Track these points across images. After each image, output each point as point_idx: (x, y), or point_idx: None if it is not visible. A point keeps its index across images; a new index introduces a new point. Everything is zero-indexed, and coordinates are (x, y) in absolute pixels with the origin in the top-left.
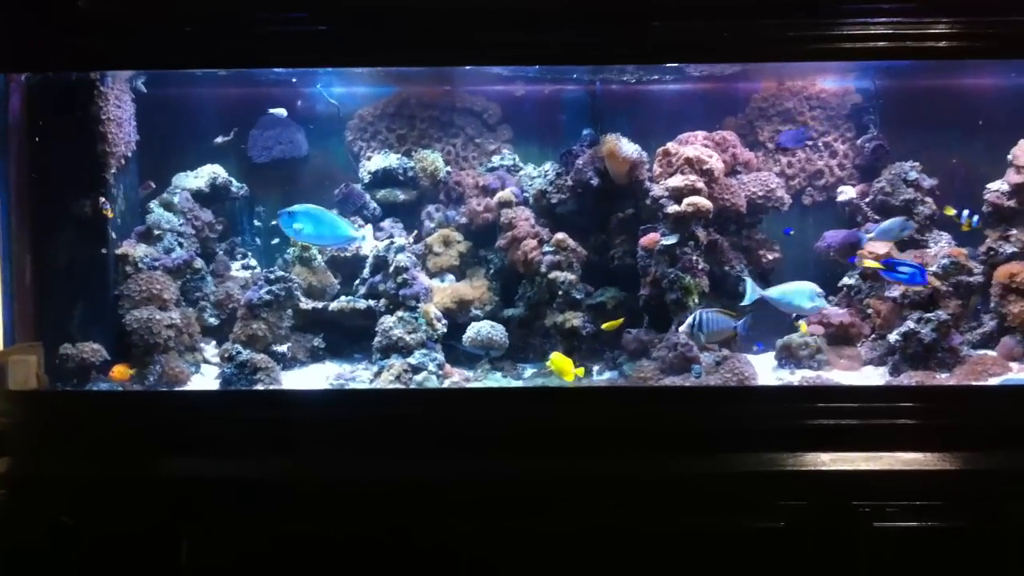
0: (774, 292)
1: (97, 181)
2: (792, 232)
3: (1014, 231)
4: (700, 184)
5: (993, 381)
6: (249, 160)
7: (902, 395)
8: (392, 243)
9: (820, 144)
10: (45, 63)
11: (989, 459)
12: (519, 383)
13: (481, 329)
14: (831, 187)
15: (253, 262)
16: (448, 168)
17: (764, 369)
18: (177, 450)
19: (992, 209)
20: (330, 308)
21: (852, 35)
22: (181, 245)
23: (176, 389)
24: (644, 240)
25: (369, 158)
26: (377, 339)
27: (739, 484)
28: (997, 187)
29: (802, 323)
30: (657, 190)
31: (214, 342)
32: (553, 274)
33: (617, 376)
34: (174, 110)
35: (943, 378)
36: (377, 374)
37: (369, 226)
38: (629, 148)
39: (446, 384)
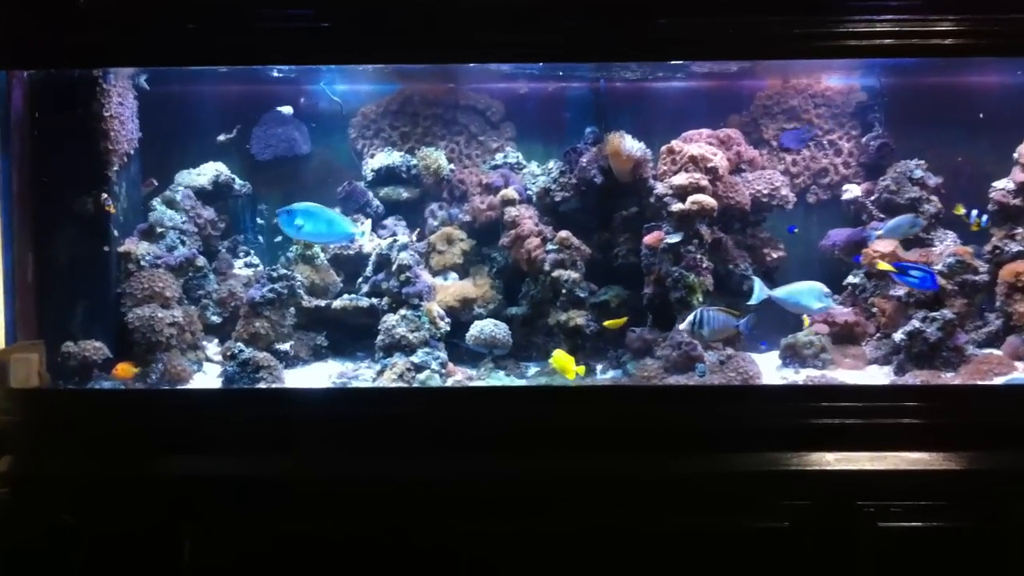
0: (782, 292)
1: (99, 179)
2: (796, 230)
3: (1020, 230)
4: (704, 182)
5: (999, 380)
6: (252, 158)
7: (907, 394)
8: (395, 241)
9: (825, 142)
10: (46, 60)
11: (994, 459)
12: (522, 382)
13: (484, 327)
14: (836, 185)
15: (256, 260)
16: (451, 166)
17: (768, 368)
18: (178, 449)
19: (998, 207)
20: (333, 306)
21: (857, 32)
22: (183, 243)
23: (178, 387)
24: (648, 238)
25: (372, 156)
26: (380, 337)
27: (743, 484)
28: (1003, 185)
29: (805, 317)
30: (661, 188)
31: (216, 340)
32: (557, 272)
33: (621, 375)
34: (177, 107)
35: (948, 377)
36: (380, 372)
37: (368, 221)
38: (633, 146)
39: (449, 383)
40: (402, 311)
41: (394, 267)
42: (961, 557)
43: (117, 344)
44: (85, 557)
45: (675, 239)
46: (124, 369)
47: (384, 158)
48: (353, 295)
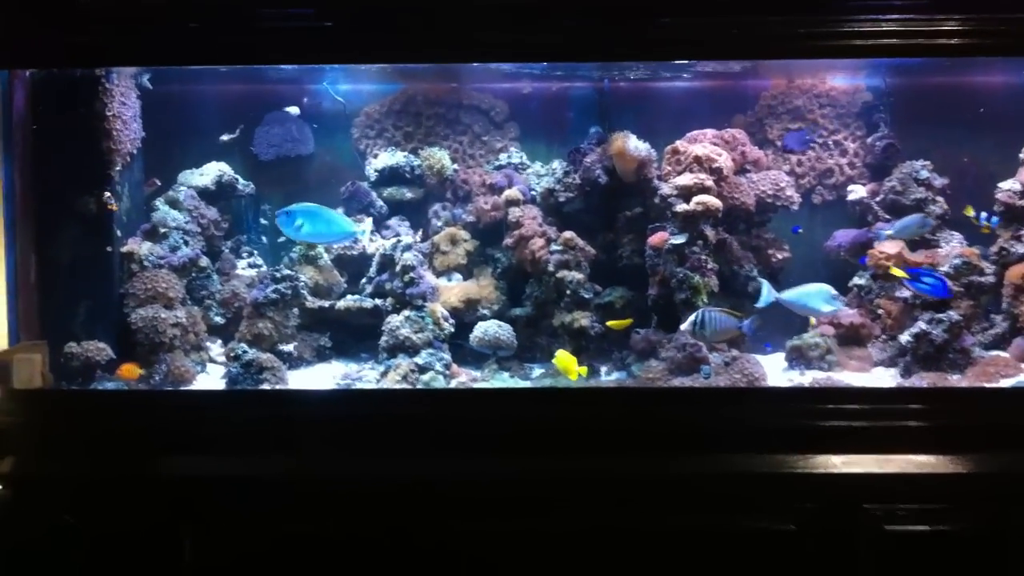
0: (789, 294)
1: (102, 178)
2: (801, 231)
3: None
4: (709, 182)
5: (1005, 383)
6: (255, 157)
7: (914, 397)
8: (399, 242)
9: (830, 142)
10: (48, 60)
11: (1002, 462)
12: (527, 383)
13: (488, 328)
14: (841, 186)
15: (259, 260)
16: (455, 166)
17: (774, 370)
18: (181, 449)
19: (1004, 208)
20: (336, 307)
21: (863, 32)
22: (186, 243)
23: (181, 388)
24: (653, 239)
25: (375, 156)
26: (384, 338)
27: (748, 486)
28: (1009, 186)
29: (812, 319)
30: (666, 188)
31: (220, 341)
32: (561, 273)
33: (625, 377)
34: (179, 107)
35: (955, 380)
36: (384, 374)
37: (370, 220)
38: (637, 146)
39: (453, 384)
40: (406, 312)
41: (398, 268)
42: (968, 561)
43: (120, 345)
44: (87, 557)
45: (680, 240)
46: (129, 370)
47: (387, 158)
48: (357, 296)
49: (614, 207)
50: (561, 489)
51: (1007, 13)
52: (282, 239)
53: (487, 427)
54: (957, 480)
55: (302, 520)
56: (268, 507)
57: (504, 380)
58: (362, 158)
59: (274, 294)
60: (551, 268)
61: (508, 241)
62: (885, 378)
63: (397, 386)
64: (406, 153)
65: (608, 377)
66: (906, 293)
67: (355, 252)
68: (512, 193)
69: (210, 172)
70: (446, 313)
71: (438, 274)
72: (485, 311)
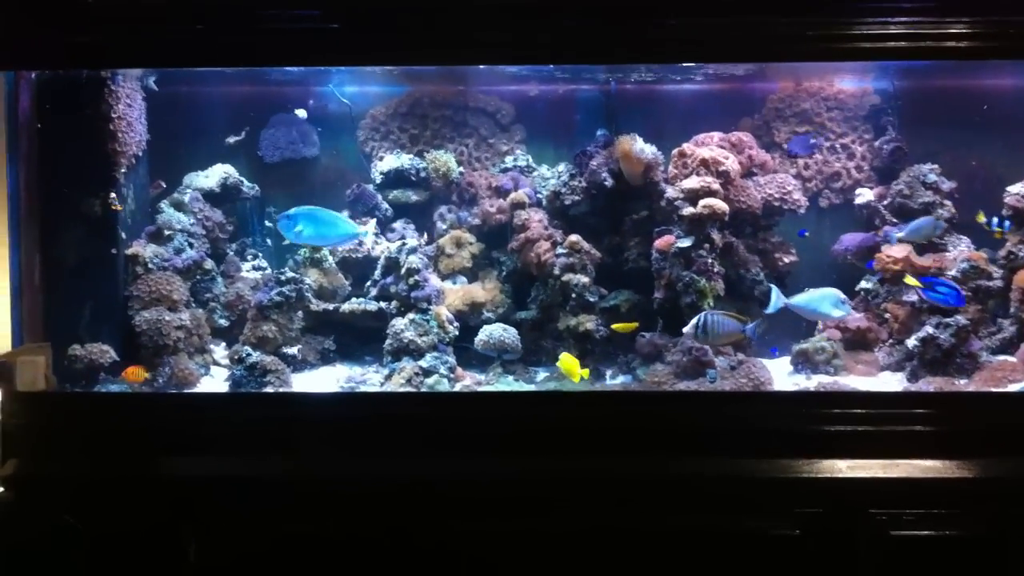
0: (798, 300)
1: (107, 180)
2: (807, 234)
3: None
4: (716, 186)
5: (1013, 387)
6: (260, 160)
7: (921, 401)
8: (404, 244)
9: (838, 146)
10: (53, 61)
11: (1008, 467)
12: (531, 387)
13: (493, 332)
14: (848, 189)
15: (264, 263)
16: (461, 169)
17: (780, 374)
18: (184, 451)
19: (1012, 212)
20: (341, 310)
21: (870, 35)
22: (191, 245)
23: (184, 391)
24: (659, 242)
25: (381, 158)
26: (388, 341)
27: (754, 490)
28: (1017, 190)
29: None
30: (672, 192)
31: (224, 344)
32: (566, 276)
33: (631, 380)
34: (185, 109)
35: (962, 384)
36: (388, 377)
37: (373, 220)
38: (644, 149)
39: (458, 387)
40: (411, 315)
41: (403, 271)
42: (974, 566)
43: (124, 347)
44: (88, 558)
45: (686, 243)
46: (134, 372)
47: (393, 161)
48: (361, 299)
49: (620, 210)
50: (565, 490)
51: (1015, 16)
52: (287, 241)
53: (489, 429)
54: (963, 485)
55: (303, 520)
56: (269, 508)
57: (509, 383)
58: (367, 160)
59: (278, 297)
60: (556, 271)
61: (513, 244)
62: (892, 382)
63: (401, 389)
64: (412, 156)
65: (613, 381)
66: (913, 297)
67: (360, 255)
68: (518, 196)
69: (215, 174)
70: (451, 316)
71: (443, 277)
72: (490, 314)
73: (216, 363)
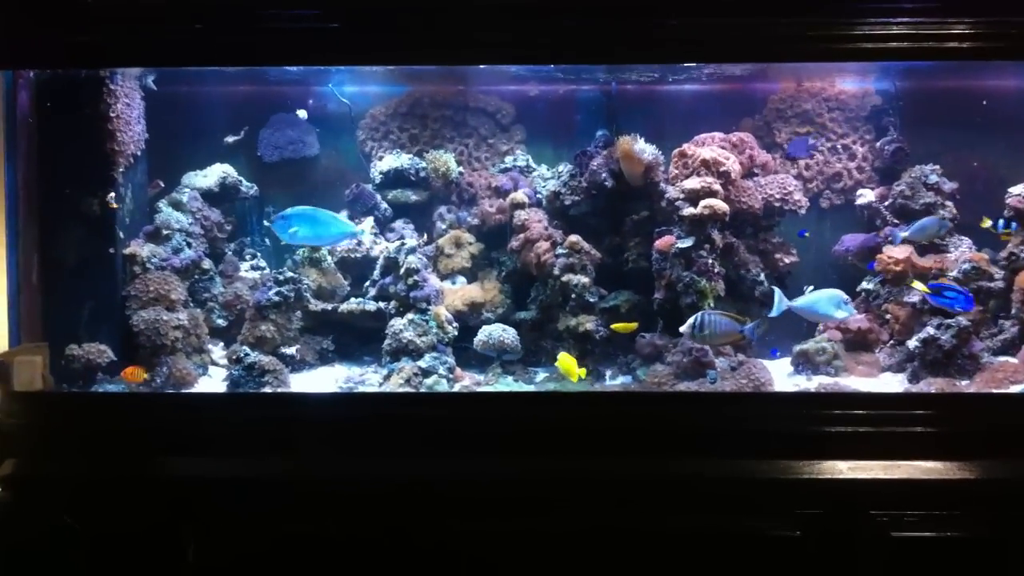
0: (801, 301)
1: (105, 180)
2: (807, 234)
3: None
4: (716, 186)
5: (1015, 389)
6: (259, 159)
7: (921, 403)
8: (403, 244)
9: (839, 146)
10: (51, 60)
11: (1010, 468)
12: (531, 387)
13: (493, 332)
14: (850, 190)
15: (262, 263)
16: (460, 169)
17: (781, 375)
18: (182, 451)
19: (1014, 213)
20: (340, 310)
21: (872, 35)
22: (190, 245)
23: (183, 391)
24: (659, 243)
25: (380, 158)
26: (387, 342)
27: (754, 491)
28: (1019, 191)
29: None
30: (673, 192)
31: (222, 343)
32: (566, 277)
33: (631, 381)
34: (184, 108)
35: (963, 385)
36: (387, 377)
37: (369, 218)
38: (645, 149)
39: (457, 388)
40: (410, 315)
41: (402, 270)
42: (976, 568)
43: (122, 347)
44: (86, 558)
45: (686, 244)
46: (133, 373)
47: (392, 160)
48: (360, 299)
49: (620, 210)
50: (565, 491)
51: (1017, 16)
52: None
53: (489, 430)
54: (965, 486)
55: (302, 520)
56: (268, 508)
57: (508, 384)
58: (367, 160)
59: (277, 297)
60: (556, 272)
61: (513, 244)
62: (893, 383)
63: (400, 390)
64: (411, 155)
65: (613, 381)
66: (915, 298)
67: (359, 255)
68: (518, 196)
69: (214, 174)
70: (450, 316)
71: (442, 277)
72: (489, 315)
73: (214, 363)
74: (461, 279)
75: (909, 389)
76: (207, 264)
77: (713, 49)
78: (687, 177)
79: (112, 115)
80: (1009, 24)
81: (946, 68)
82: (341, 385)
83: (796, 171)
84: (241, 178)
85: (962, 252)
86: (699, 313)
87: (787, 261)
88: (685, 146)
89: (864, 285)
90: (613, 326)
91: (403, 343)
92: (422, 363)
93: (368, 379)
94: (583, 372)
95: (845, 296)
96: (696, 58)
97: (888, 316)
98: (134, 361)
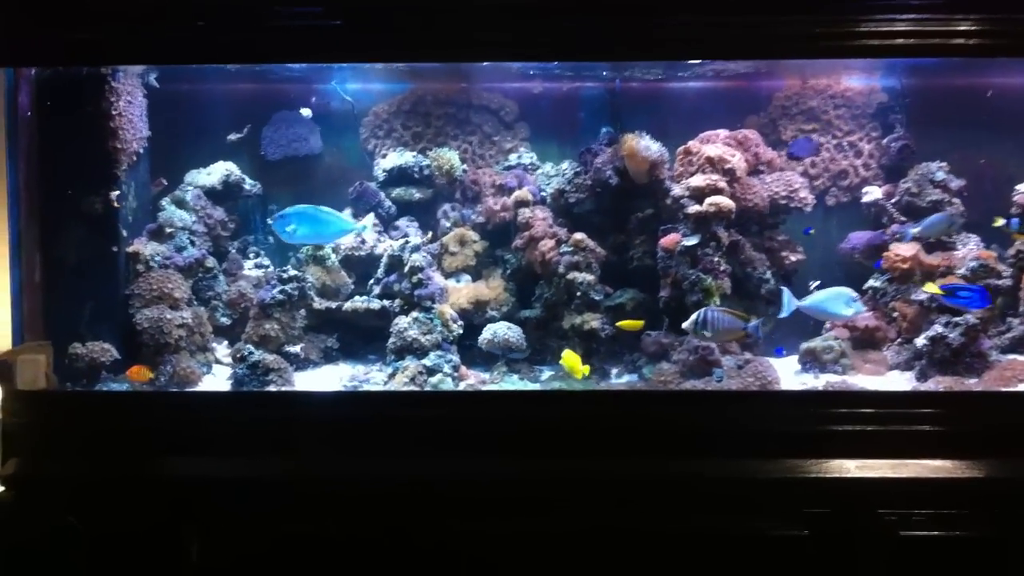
0: (810, 301)
1: (108, 178)
2: (812, 231)
3: None
4: (722, 184)
5: (1023, 387)
6: (262, 157)
7: (929, 401)
8: (407, 242)
9: (845, 144)
10: (52, 58)
11: (1019, 467)
12: (536, 386)
13: (497, 331)
14: (856, 187)
15: (266, 261)
16: (464, 166)
17: (787, 373)
18: (185, 451)
19: (1021, 211)
20: (344, 308)
21: (878, 32)
22: (193, 243)
23: (186, 390)
24: (664, 241)
25: (384, 156)
26: (391, 340)
27: (761, 490)
28: None
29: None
30: (678, 190)
31: (226, 342)
32: (571, 275)
33: (636, 379)
34: (186, 106)
35: (971, 384)
36: (391, 376)
37: (370, 215)
38: (649, 146)
39: (462, 386)
40: (414, 313)
41: (406, 269)
42: (984, 567)
43: (125, 346)
44: (88, 558)
45: (692, 241)
46: (138, 372)
47: (396, 158)
48: (364, 297)
49: (625, 208)
50: (571, 490)
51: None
52: None
53: (494, 429)
54: (973, 485)
55: (306, 521)
56: (269, 508)
57: (513, 382)
58: (370, 158)
59: (281, 295)
60: (561, 270)
61: (518, 242)
62: (900, 382)
63: (405, 388)
64: (415, 153)
65: (619, 380)
66: (922, 296)
67: (363, 253)
68: (522, 194)
69: (217, 172)
70: (455, 315)
71: (447, 275)
72: (494, 313)
73: (218, 362)
74: (465, 277)
75: (917, 387)
76: (210, 262)
77: (718, 46)
78: (692, 174)
79: (114, 113)
80: (1015, 21)
81: (952, 65)
82: (345, 384)
83: (802, 168)
84: (244, 176)
85: (970, 250)
86: (702, 309)
87: (793, 259)
88: (690, 143)
89: (871, 283)
90: (621, 323)
91: (407, 341)
92: (427, 361)
93: (372, 378)
94: (586, 369)
95: (854, 293)
96: (701, 55)
97: (895, 314)
98: (137, 360)
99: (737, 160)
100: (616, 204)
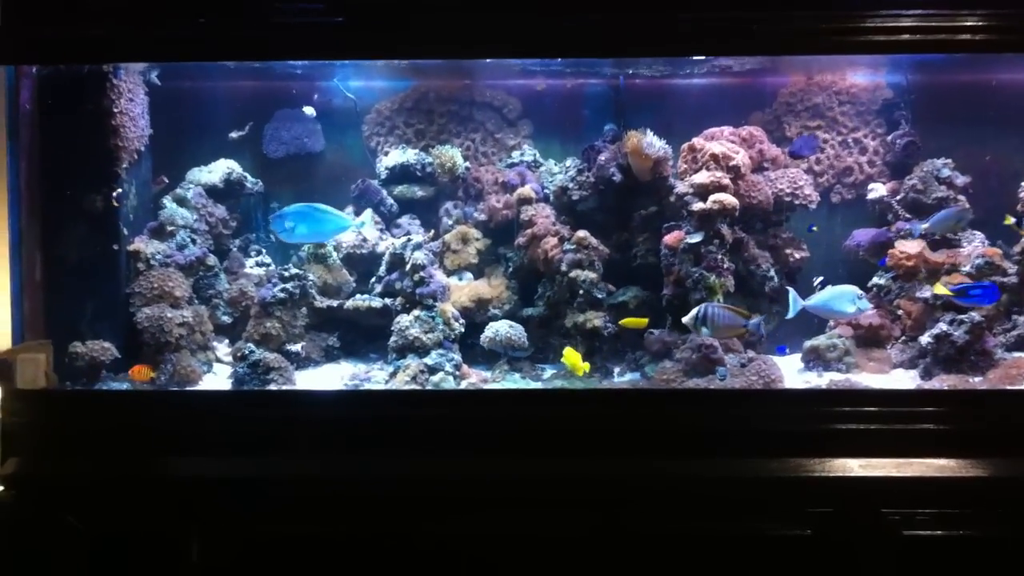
0: (815, 300)
1: (109, 176)
2: (815, 228)
3: None
4: (726, 181)
5: None
6: (264, 155)
7: (934, 399)
8: (409, 240)
9: (850, 140)
10: (54, 55)
11: None
12: (538, 385)
13: (500, 329)
14: (861, 184)
15: (267, 259)
16: (467, 164)
17: (791, 372)
18: (185, 450)
19: None
20: (345, 306)
21: (883, 27)
22: (194, 241)
23: (187, 389)
24: (668, 238)
25: (386, 153)
26: (393, 339)
27: (764, 490)
28: None
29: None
30: (682, 187)
31: (227, 341)
32: (574, 273)
33: (639, 378)
34: (188, 104)
35: (976, 382)
36: (393, 374)
37: (369, 211)
38: (653, 143)
39: (463, 385)
40: (416, 312)
41: (408, 267)
42: (989, 567)
43: (126, 344)
44: (89, 558)
45: (696, 239)
46: (140, 371)
47: (398, 156)
48: (366, 295)
49: (629, 206)
50: (574, 490)
51: None
52: None
53: (496, 428)
54: (978, 484)
55: (307, 521)
56: (270, 507)
57: (515, 381)
58: (372, 156)
59: (282, 293)
60: (564, 267)
61: (520, 240)
62: (905, 380)
63: (406, 387)
64: (417, 151)
65: (622, 378)
66: (927, 293)
67: (365, 251)
68: (525, 191)
69: (218, 170)
70: (457, 313)
71: (449, 273)
72: (496, 311)
73: (219, 360)
74: (468, 275)
75: (921, 386)
76: (212, 260)
77: (723, 43)
78: (696, 172)
79: (115, 111)
80: (1021, 16)
81: (958, 61)
82: (347, 383)
83: (807, 165)
84: (246, 174)
85: (975, 247)
86: (703, 305)
87: (797, 256)
88: (694, 140)
89: (875, 280)
90: (625, 321)
91: (409, 340)
92: (428, 360)
93: (374, 376)
94: (587, 366)
95: (859, 291)
96: (706, 52)
97: (900, 312)
98: (138, 359)
99: (741, 157)
100: (619, 201)
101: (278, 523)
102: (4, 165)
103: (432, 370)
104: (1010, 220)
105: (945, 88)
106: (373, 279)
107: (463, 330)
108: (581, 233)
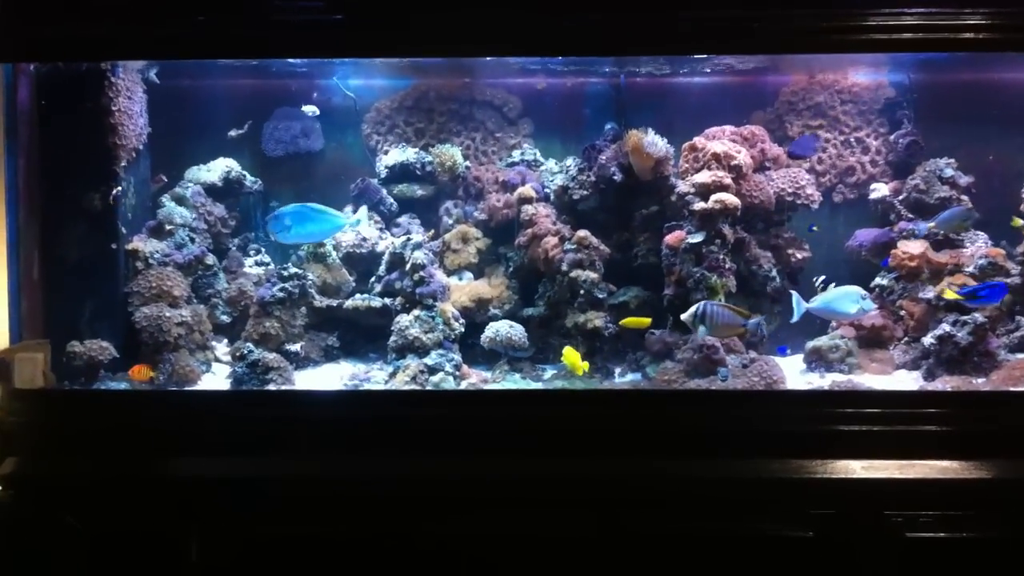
0: (819, 301)
1: (107, 174)
2: (816, 228)
3: None
4: (727, 180)
5: None
6: (263, 154)
7: (937, 401)
8: (409, 240)
9: (852, 140)
10: (52, 53)
11: None
12: (538, 385)
13: (500, 329)
14: (863, 184)
15: (266, 258)
16: (467, 163)
17: (793, 372)
18: (184, 450)
19: None
20: (345, 306)
21: (885, 26)
22: (193, 240)
23: (186, 389)
24: (669, 238)
25: (386, 152)
26: (393, 338)
27: (766, 491)
28: None
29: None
30: (683, 186)
31: (226, 340)
32: (574, 272)
33: (640, 378)
34: (187, 102)
35: (979, 383)
36: (392, 374)
37: (364, 208)
38: (654, 143)
39: (463, 385)
40: (416, 311)
41: (408, 266)
42: (992, 569)
43: (124, 344)
44: (88, 558)
45: (697, 239)
46: (140, 371)
47: (398, 155)
48: (366, 295)
49: (630, 205)
50: (574, 490)
51: None
52: None
53: (496, 428)
54: (981, 486)
55: (307, 521)
56: (270, 507)
57: (516, 381)
58: (372, 154)
59: (281, 293)
60: (564, 267)
61: (521, 239)
62: (907, 381)
63: (406, 387)
64: (417, 150)
65: (623, 379)
66: (930, 294)
67: (364, 250)
68: (525, 190)
69: (217, 168)
70: (456, 313)
71: (449, 273)
72: (497, 311)
73: (218, 360)
74: (468, 275)
75: (924, 387)
76: (210, 260)
77: (724, 41)
78: (697, 171)
79: (114, 109)
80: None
81: (961, 60)
82: (346, 383)
83: (808, 165)
84: (245, 172)
85: (978, 247)
86: (701, 303)
87: (799, 256)
88: (695, 139)
89: (878, 281)
90: (626, 321)
91: (409, 340)
92: (428, 360)
93: (373, 376)
94: (586, 366)
95: (863, 291)
96: (707, 50)
97: (903, 312)
98: (136, 358)
99: (743, 156)
100: (620, 201)
101: (278, 523)
102: (2, 163)
103: (432, 370)
104: (1018, 222)
105: (948, 87)
106: (373, 279)
107: (463, 330)
108: (582, 233)
